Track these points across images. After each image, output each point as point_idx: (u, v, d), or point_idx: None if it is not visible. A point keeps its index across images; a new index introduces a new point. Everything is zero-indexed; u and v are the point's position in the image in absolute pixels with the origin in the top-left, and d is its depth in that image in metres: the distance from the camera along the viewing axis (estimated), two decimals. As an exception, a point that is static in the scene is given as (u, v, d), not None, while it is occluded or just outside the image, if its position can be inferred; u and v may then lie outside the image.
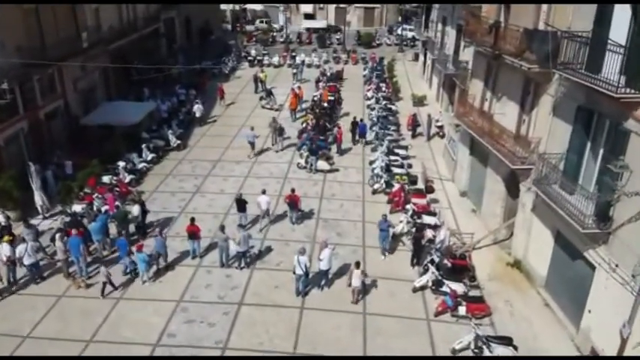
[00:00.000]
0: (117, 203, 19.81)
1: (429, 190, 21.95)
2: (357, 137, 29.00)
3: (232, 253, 17.44)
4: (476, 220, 21.29)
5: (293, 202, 19.91)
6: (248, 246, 17.41)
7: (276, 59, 47.46)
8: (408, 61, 49.67)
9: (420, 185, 23.22)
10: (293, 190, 20.26)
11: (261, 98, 35.67)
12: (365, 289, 16.39)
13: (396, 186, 22.36)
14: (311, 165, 24.92)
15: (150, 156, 25.61)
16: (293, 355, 14.09)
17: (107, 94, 32.88)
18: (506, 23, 18.76)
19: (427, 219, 19.80)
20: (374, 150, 27.82)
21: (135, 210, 18.77)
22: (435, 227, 18.96)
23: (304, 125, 29.93)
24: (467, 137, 22.40)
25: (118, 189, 22.04)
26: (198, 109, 31.48)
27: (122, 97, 33.23)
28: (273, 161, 26.58)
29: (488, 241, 19.39)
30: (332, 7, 65.71)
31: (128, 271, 16.82)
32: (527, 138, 17.64)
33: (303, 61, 46.64)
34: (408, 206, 20.63)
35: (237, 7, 62.66)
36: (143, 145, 25.58)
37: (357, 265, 15.80)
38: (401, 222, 19.85)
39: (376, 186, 23.05)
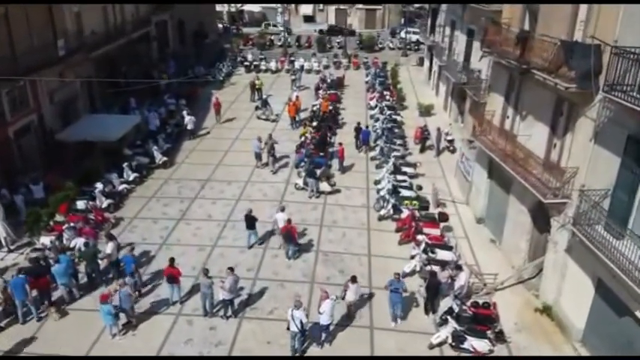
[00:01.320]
0: (82, 240, 17.10)
1: (443, 218, 19.54)
2: (360, 144, 27.61)
3: (218, 299, 15.02)
4: (496, 252, 18.88)
5: (289, 234, 17.49)
6: (236, 292, 15.02)
7: (273, 64, 45.05)
8: (412, 66, 47.27)
9: (432, 209, 20.87)
10: (289, 221, 17.84)
11: (256, 108, 33.22)
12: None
13: (405, 212, 19.99)
14: (312, 189, 22.44)
15: (132, 176, 23.19)
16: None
17: (91, 105, 30.45)
18: (531, 33, 16.36)
19: (442, 254, 17.37)
20: (379, 167, 25.45)
21: (109, 247, 16.29)
22: (452, 265, 16.52)
23: (302, 139, 27.52)
24: (484, 158, 19.99)
25: (92, 217, 19.66)
26: (190, 120, 29.04)
27: (108, 107, 30.84)
28: (268, 181, 24.15)
29: (511, 280, 16.98)
30: (332, 8, 63.28)
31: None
32: (560, 166, 15.24)
33: (302, 67, 44.28)
34: (419, 237, 18.22)
35: (232, 7, 60.04)
36: (124, 165, 23.14)
37: (354, 279, 14.70)
38: (412, 257, 17.50)
39: (383, 212, 20.63)
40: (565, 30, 14.62)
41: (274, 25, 60.00)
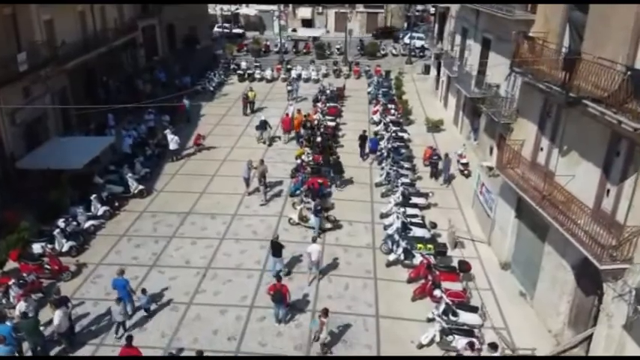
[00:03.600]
0: (24, 305, 13.82)
1: (465, 268, 16.49)
2: (366, 151, 26.33)
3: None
4: (527, 309, 15.84)
5: (279, 295, 14.37)
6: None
7: (269, 72, 41.98)
8: (417, 74, 44.21)
9: (449, 251, 17.85)
10: (279, 279, 14.72)
11: (256, 127, 28.77)
12: None
13: (418, 258, 16.96)
14: (317, 228, 19.25)
15: (101, 210, 20.12)
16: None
17: (65, 124, 27.40)
18: (581, 54, 13.33)
19: (466, 317, 14.34)
20: (385, 195, 22.43)
21: (56, 317, 13.19)
22: (481, 339, 13.51)
23: (299, 161, 24.49)
24: (511, 194, 16.96)
25: (48, 266, 16.62)
26: (173, 140, 25.89)
27: (84, 124, 27.75)
28: (259, 213, 21.07)
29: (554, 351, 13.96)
30: (332, 12, 60.22)
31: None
32: (615, 219, 12.23)
33: (299, 75, 41.26)
34: (437, 292, 15.22)
35: (224, 9, 56.85)
36: (93, 197, 20.08)
37: (325, 313, 13.25)
38: (429, 320, 14.51)
39: (392, 257, 17.55)
40: (624, 51, 11.61)
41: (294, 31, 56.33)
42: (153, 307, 15.15)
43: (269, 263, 17.32)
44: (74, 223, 18.93)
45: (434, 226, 18.76)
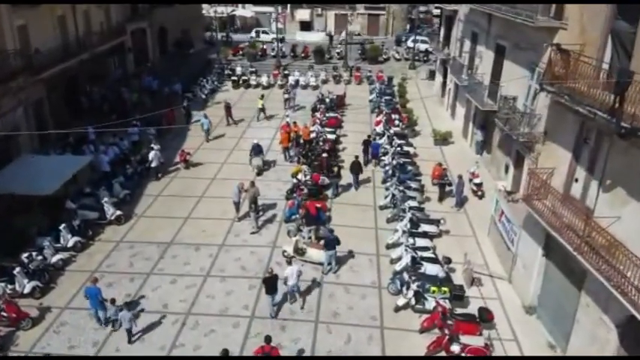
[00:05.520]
0: None
1: (486, 317, 14.23)
2: (369, 157, 25.42)
3: None
4: (559, 366, 13.63)
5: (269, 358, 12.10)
6: None
7: (265, 78, 39.70)
8: (421, 80, 41.94)
9: (466, 290, 15.62)
10: (268, 339, 12.36)
11: (250, 152, 24.87)
12: None
13: (432, 303, 14.72)
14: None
15: (71, 241, 17.87)
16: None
17: (41, 137, 24.99)
18: (619, 70, 11.10)
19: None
20: (390, 221, 20.20)
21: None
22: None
23: (295, 181, 22.26)
24: (538, 229, 14.70)
25: (4, 313, 14.36)
26: (155, 156, 23.58)
27: (63, 137, 25.35)
28: (249, 243, 18.79)
29: None
30: (331, 13, 57.92)
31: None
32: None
33: (297, 81, 38.99)
34: (454, 349, 13.01)
35: (218, 12, 54.45)
36: (62, 226, 17.80)
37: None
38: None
39: (401, 302, 15.26)
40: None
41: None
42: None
43: (260, 304, 15.14)
44: (39, 257, 16.69)
45: (448, 261, 16.46)
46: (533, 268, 15.29)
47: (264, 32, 53.44)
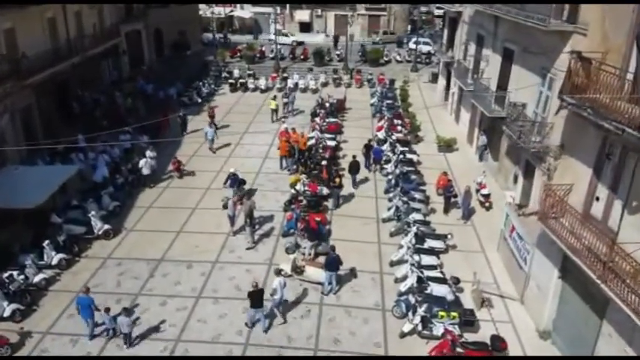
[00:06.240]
0: None
1: (499, 346, 13.16)
2: (371, 162, 24.87)
3: None
4: (577, 400, 12.59)
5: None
6: None
7: (263, 82, 38.63)
8: (423, 83, 40.89)
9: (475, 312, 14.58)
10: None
11: (225, 183, 21.99)
12: None
13: (440, 329, 13.68)
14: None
15: (56, 258, 16.82)
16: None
17: (29, 145, 23.94)
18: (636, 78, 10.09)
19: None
20: (394, 234, 19.16)
21: None
22: None
23: (293, 192, 21.21)
24: (554, 249, 13.66)
25: (-21, 340, 13.35)
26: (146, 164, 22.52)
27: (53, 148, 24.23)
28: (244, 260, 17.74)
29: None
30: (331, 14, 56.84)
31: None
32: None
33: (296, 84, 37.94)
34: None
35: (215, 13, 53.30)
36: (45, 243, 16.76)
37: None
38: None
39: (407, 328, 14.18)
40: None
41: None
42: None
43: (256, 329, 14.16)
44: (21, 277, 15.64)
45: (456, 281, 15.38)
46: (549, 290, 14.25)
47: (283, 35, 51.59)
